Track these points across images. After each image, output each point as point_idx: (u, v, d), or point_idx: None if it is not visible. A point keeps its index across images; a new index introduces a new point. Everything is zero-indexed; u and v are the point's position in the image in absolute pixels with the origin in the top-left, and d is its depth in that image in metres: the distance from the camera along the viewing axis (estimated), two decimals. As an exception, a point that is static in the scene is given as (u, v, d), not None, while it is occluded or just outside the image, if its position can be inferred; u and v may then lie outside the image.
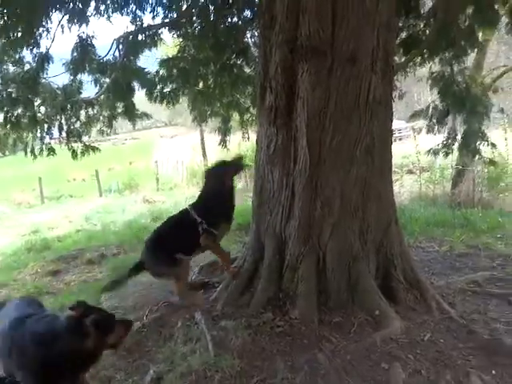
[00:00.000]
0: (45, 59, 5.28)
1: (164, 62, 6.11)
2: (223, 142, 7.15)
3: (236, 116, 7.18)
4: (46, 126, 6.00)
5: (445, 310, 3.76)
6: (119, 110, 6.25)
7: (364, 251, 3.80)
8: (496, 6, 5.16)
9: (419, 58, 5.74)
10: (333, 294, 3.70)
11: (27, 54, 5.40)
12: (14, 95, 5.43)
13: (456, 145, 6.77)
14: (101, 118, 6.31)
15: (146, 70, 6.06)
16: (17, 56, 5.40)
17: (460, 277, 4.56)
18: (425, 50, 5.58)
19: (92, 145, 6.24)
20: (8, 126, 5.54)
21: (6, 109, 5.47)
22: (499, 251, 5.35)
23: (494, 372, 2.98)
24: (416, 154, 10.05)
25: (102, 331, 2.48)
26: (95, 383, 3.08)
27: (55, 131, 6.13)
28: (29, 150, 6.05)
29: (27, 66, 5.49)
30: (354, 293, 3.70)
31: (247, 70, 6.42)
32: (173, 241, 3.99)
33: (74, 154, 6.13)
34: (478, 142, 6.56)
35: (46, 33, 5.13)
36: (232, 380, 3.02)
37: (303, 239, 3.75)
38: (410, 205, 7.66)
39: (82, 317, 2.45)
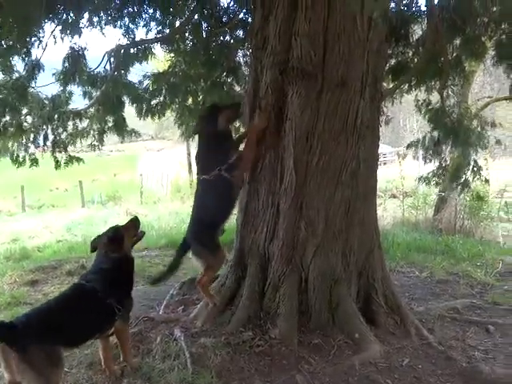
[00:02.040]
0: (36, 68, 5.25)
1: (155, 77, 6.13)
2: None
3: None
4: (31, 135, 5.94)
5: (424, 336, 3.79)
6: (109, 124, 6.22)
7: (346, 274, 3.81)
8: (483, 38, 5.31)
9: (407, 85, 5.85)
10: (313, 315, 3.70)
11: (17, 62, 5.37)
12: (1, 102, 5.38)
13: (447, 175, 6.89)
14: (91, 131, 6.26)
15: (136, 85, 6.08)
16: (7, 63, 5.36)
17: (440, 303, 4.61)
18: (412, 78, 5.70)
19: (76, 155, 6.18)
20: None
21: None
22: (479, 279, 5.42)
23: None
24: (400, 178, 10.18)
25: None
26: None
27: (40, 140, 6.07)
28: (14, 157, 5.96)
29: (16, 74, 5.45)
30: (334, 315, 3.70)
31: (237, 88, 6.47)
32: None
33: (58, 164, 6.07)
34: (470, 175, 6.69)
35: (37, 42, 5.12)
36: (209, 399, 2.98)
37: (286, 259, 3.75)
38: (393, 229, 7.74)
39: None
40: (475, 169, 6.90)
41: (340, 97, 3.58)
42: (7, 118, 5.48)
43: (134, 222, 3.46)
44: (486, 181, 7.16)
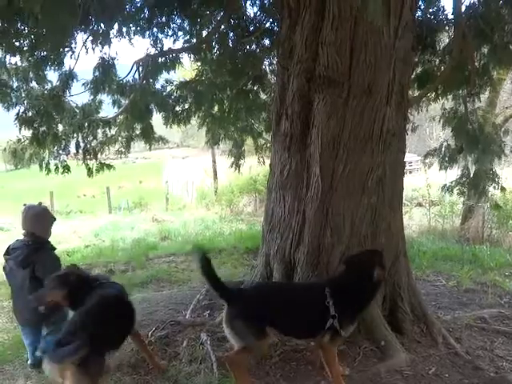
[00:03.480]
0: (69, 78, 5.42)
1: (182, 85, 6.25)
2: (235, 165, 7.25)
3: (249, 140, 7.30)
4: (63, 142, 6.12)
5: (451, 345, 3.75)
6: (137, 132, 6.36)
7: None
8: (511, 46, 5.25)
9: (433, 93, 5.82)
10: (339, 322, 3.70)
11: (50, 72, 5.55)
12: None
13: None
14: (119, 138, 6.41)
15: (164, 94, 6.21)
16: (40, 74, 5.55)
17: (467, 312, 4.54)
18: (439, 86, 5.67)
19: (106, 163, 6.34)
20: (34, 143, 5.66)
21: (34, 125, 5.59)
22: (507, 289, 5.33)
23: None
24: (426, 187, 10.06)
25: None
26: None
27: (72, 148, 6.25)
28: (44, 165, 6.15)
29: (49, 85, 5.64)
30: (360, 322, 3.68)
31: (263, 96, 6.55)
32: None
33: (90, 171, 6.24)
34: (488, 184, 6.59)
35: (70, 52, 5.29)
36: (234, 402, 3.01)
37: (312, 265, 3.77)
38: (419, 238, 7.68)
39: None
40: (491, 177, 6.81)
41: (366, 104, 3.60)
42: (44, 127, 5.65)
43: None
44: (503, 189, 7.05)
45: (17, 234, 6.30)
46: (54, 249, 3.96)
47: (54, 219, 4.06)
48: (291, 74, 3.86)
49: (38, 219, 3.87)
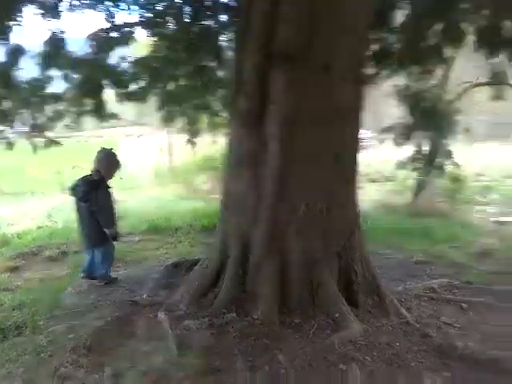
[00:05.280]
0: (17, 52, 5.15)
1: (137, 61, 6.06)
2: (191, 143, 7.17)
3: (205, 118, 7.20)
4: (10, 118, 5.84)
5: (402, 315, 3.91)
6: (88, 108, 6.14)
7: (326, 255, 3.89)
8: (462, 25, 5.38)
9: (388, 70, 5.91)
10: (294, 296, 3.78)
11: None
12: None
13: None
14: (69, 113, 6.18)
15: (116, 69, 6.00)
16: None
17: (417, 283, 4.75)
18: (394, 63, 5.77)
19: (54, 140, 6.10)
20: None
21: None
22: (456, 260, 5.58)
23: (445, 374, 3.12)
24: (380, 163, 10.31)
25: None
26: (54, 380, 3.05)
27: (18, 124, 5.98)
28: (-10, 142, 5.85)
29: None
30: (315, 295, 3.78)
31: (220, 72, 6.45)
32: None
33: (36, 147, 5.99)
34: (443, 160, 6.83)
35: (17, 26, 5.01)
36: (194, 379, 3.04)
37: (268, 242, 3.81)
38: (373, 213, 7.85)
39: None
40: (447, 154, 7.07)
41: (324, 80, 3.62)
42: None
43: None
44: (457, 165, 7.34)
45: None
46: (110, 187, 4.76)
47: (121, 165, 4.92)
48: (248, 49, 3.82)
49: (106, 160, 4.77)
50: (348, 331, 3.54)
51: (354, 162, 4.10)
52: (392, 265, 5.45)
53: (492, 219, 7.92)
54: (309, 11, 3.51)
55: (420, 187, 8.56)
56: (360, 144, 4.27)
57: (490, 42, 5.16)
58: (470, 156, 8.59)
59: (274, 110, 3.68)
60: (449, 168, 7.27)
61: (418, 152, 7.15)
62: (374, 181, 11.76)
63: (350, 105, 3.80)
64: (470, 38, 5.70)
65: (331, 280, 3.85)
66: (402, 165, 7.56)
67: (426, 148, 7.43)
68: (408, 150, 7.90)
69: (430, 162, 6.97)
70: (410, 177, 9.61)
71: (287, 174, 3.73)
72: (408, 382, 3.02)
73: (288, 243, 3.80)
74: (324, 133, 3.71)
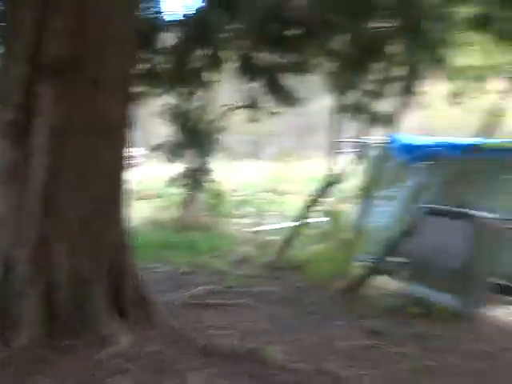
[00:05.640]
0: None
1: None
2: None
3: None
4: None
5: (167, 324, 4.11)
6: None
7: (96, 273, 3.84)
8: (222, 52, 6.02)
9: (159, 89, 6.19)
10: (63, 317, 3.62)
11: None
12: None
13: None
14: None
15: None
16: None
17: (184, 292, 5.06)
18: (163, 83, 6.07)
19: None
20: None
21: None
22: (218, 268, 6.14)
23: (207, 370, 3.41)
24: (149, 180, 10.53)
25: None
26: None
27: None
28: None
29: None
30: (84, 314, 3.69)
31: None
32: None
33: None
34: (203, 176, 7.41)
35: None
36: None
37: (33, 262, 3.58)
38: (142, 229, 8.00)
39: None
40: (205, 170, 7.77)
41: (92, 95, 3.61)
42: None
43: None
44: (214, 182, 8.12)
45: None
46: None
47: None
48: (16, 58, 3.57)
49: None
50: (117, 346, 3.56)
51: (121, 179, 4.17)
52: (160, 278, 5.68)
53: (247, 229, 8.92)
54: (79, 23, 3.47)
55: (186, 203, 9.07)
56: (129, 161, 4.38)
57: (248, 70, 5.91)
58: (229, 173, 9.52)
59: (42, 121, 3.51)
60: (209, 184, 7.93)
61: (187, 169, 7.61)
62: (144, 198, 11.93)
63: (119, 121, 3.88)
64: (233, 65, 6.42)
65: (101, 297, 3.81)
66: (172, 181, 7.94)
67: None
68: (178, 167, 8.34)
69: (193, 179, 7.48)
70: (177, 193, 10.13)
71: (55, 188, 3.59)
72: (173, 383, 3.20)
73: (55, 262, 3.63)
74: (93, 148, 3.70)
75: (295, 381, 3.44)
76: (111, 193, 3.97)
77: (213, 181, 7.64)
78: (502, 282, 5.65)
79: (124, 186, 4.25)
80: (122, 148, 4.09)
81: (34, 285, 3.57)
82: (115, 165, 3.96)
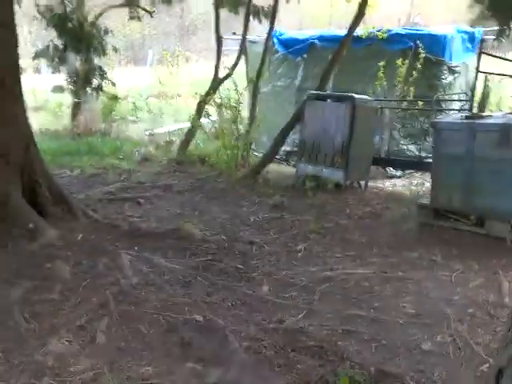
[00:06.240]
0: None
1: None
2: None
3: None
4: None
5: (89, 215, 4.34)
6: None
7: (8, 171, 3.88)
8: None
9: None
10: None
11: None
12: None
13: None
14: None
15: None
16: None
17: (96, 190, 5.23)
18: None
19: None
20: None
21: None
22: (123, 168, 6.32)
23: (136, 248, 3.78)
24: (31, 91, 9.86)
25: None
26: None
27: None
28: None
29: None
30: (4, 211, 3.77)
31: None
32: None
33: None
34: (98, 79, 7.23)
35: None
36: None
37: None
38: (37, 139, 7.72)
39: None
40: (101, 74, 7.58)
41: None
42: None
43: None
44: (113, 84, 7.97)
45: None
46: None
47: None
48: None
49: None
50: (45, 237, 3.74)
51: (17, 81, 4.10)
52: (68, 181, 5.74)
53: (145, 133, 8.97)
54: None
55: (76, 110, 8.78)
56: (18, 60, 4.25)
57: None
58: (116, 77, 9.22)
59: None
60: (105, 87, 7.76)
61: (73, 73, 7.34)
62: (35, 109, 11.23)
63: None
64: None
65: (17, 193, 3.90)
66: (58, 89, 7.64)
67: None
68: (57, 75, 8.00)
69: (87, 83, 7.29)
70: (63, 102, 9.70)
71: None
72: (110, 262, 3.52)
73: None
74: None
75: (217, 248, 3.96)
76: (10, 94, 3.92)
77: (106, 84, 7.50)
78: (383, 156, 6.57)
79: (21, 88, 4.19)
80: (13, 47, 4.01)
81: None
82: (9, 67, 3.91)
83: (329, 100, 6.00)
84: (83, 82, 7.67)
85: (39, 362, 2.37)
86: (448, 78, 7.18)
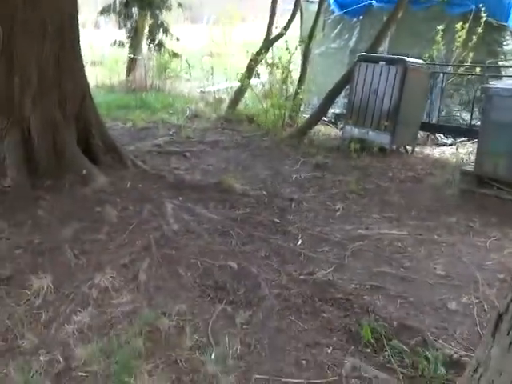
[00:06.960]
0: None
1: None
2: None
3: None
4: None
5: (138, 166, 4.57)
6: None
7: (65, 120, 4.13)
8: None
9: None
10: (41, 161, 3.96)
11: None
12: None
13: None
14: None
15: None
16: None
17: (146, 142, 5.45)
18: None
19: None
20: None
21: None
22: (173, 123, 6.51)
23: (180, 198, 3.97)
24: (89, 47, 10.15)
25: None
26: None
27: None
28: None
29: None
30: (61, 158, 4.04)
31: None
32: None
33: None
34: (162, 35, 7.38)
35: None
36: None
37: (6, 113, 3.82)
38: (93, 92, 8.03)
39: None
40: (165, 29, 7.70)
41: None
42: None
43: None
44: (177, 39, 8.08)
45: None
46: None
47: None
48: None
49: None
50: (97, 183, 4.00)
51: (76, 34, 4.29)
52: (121, 133, 5.99)
53: (196, 90, 9.11)
54: None
55: (132, 65, 9.03)
56: (78, 21, 4.43)
57: None
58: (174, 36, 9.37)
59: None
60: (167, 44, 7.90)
61: (133, 29, 7.52)
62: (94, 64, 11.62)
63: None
64: None
65: (72, 142, 4.15)
66: (118, 44, 7.84)
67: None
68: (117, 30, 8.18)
69: (150, 39, 7.47)
70: (120, 58, 9.95)
71: (13, 43, 3.72)
72: (154, 209, 3.73)
73: (26, 112, 3.87)
74: (45, 3, 3.78)
75: (256, 202, 4.09)
76: (68, 47, 4.12)
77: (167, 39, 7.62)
78: (434, 122, 6.41)
79: (79, 40, 4.37)
80: (73, 6, 4.19)
81: (9, 133, 3.84)
82: (69, 19, 4.08)
83: (380, 62, 5.87)
84: (146, 37, 7.85)
85: (85, 294, 2.59)
86: (510, 45, 6.80)
